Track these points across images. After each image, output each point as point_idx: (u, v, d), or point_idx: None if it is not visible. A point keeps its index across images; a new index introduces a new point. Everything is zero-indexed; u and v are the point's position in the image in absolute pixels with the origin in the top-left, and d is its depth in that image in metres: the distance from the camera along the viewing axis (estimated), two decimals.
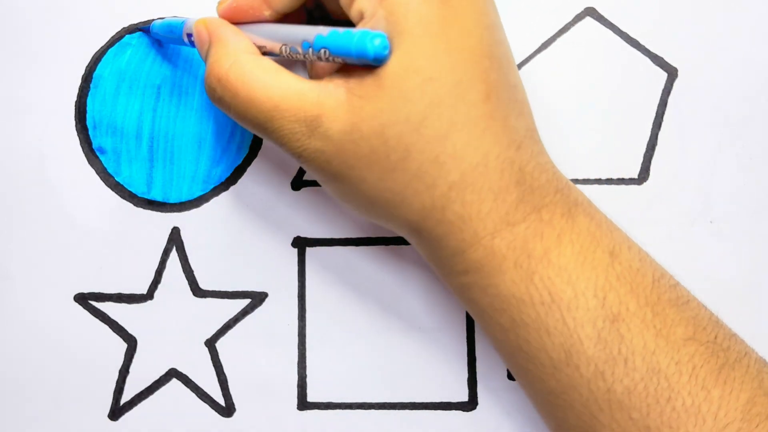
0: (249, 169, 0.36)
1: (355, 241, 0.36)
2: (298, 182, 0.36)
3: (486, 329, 0.29)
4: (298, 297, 0.36)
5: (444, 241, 0.27)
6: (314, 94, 0.27)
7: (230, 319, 0.36)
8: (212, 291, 0.36)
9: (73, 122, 0.36)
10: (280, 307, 0.36)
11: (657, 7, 0.36)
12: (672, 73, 0.36)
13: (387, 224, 0.29)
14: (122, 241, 0.36)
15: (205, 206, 0.36)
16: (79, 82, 0.36)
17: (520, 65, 0.36)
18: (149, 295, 0.36)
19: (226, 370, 0.35)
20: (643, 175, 0.35)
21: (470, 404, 0.35)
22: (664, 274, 0.29)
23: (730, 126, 0.35)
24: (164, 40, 0.35)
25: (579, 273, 0.27)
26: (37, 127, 0.36)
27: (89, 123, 0.36)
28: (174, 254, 0.36)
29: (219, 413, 0.35)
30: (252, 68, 0.28)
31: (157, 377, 0.35)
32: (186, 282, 0.36)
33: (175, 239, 0.36)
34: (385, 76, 0.25)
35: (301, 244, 0.36)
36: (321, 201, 0.36)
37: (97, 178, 0.36)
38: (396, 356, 0.35)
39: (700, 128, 0.35)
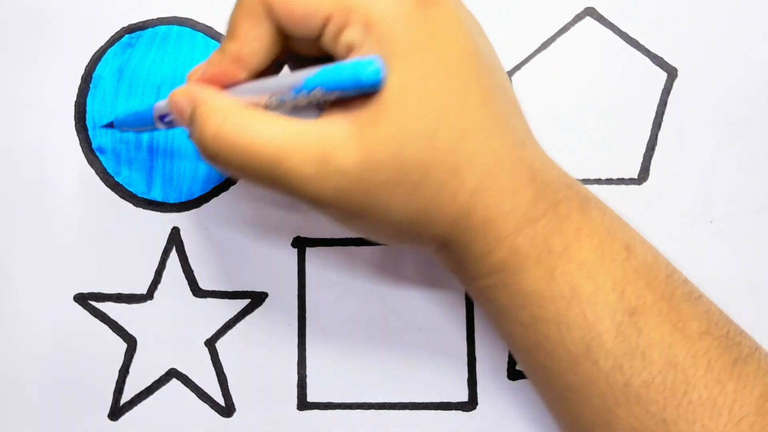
0: None
1: (355, 241, 0.36)
2: None
3: (504, 328, 0.29)
4: (298, 297, 0.36)
5: (470, 247, 0.28)
6: (317, 131, 0.26)
7: (230, 319, 0.36)
8: (212, 291, 0.36)
9: (72, 122, 0.36)
10: (280, 307, 0.36)
11: (657, 7, 0.36)
12: (672, 73, 0.36)
13: (415, 245, 0.29)
14: (122, 241, 0.36)
15: (205, 206, 0.36)
16: (78, 82, 0.36)
17: (520, 65, 0.36)
18: (149, 295, 0.36)
19: (226, 370, 0.35)
20: (643, 175, 0.35)
21: (470, 404, 0.35)
22: (675, 270, 0.29)
23: (730, 126, 0.35)
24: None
25: (598, 267, 0.27)
26: (37, 127, 0.36)
27: (89, 123, 0.36)
28: (174, 254, 0.36)
29: (219, 413, 0.35)
30: (246, 119, 0.26)
31: (157, 377, 0.35)
32: (186, 282, 0.36)
33: (175, 239, 0.36)
34: (387, 100, 0.25)
35: (301, 244, 0.36)
36: None
37: (97, 178, 0.36)
38: (396, 356, 0.35)
39: (700, 128, 0.35)
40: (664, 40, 0.36)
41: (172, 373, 0.35)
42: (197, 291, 0.36)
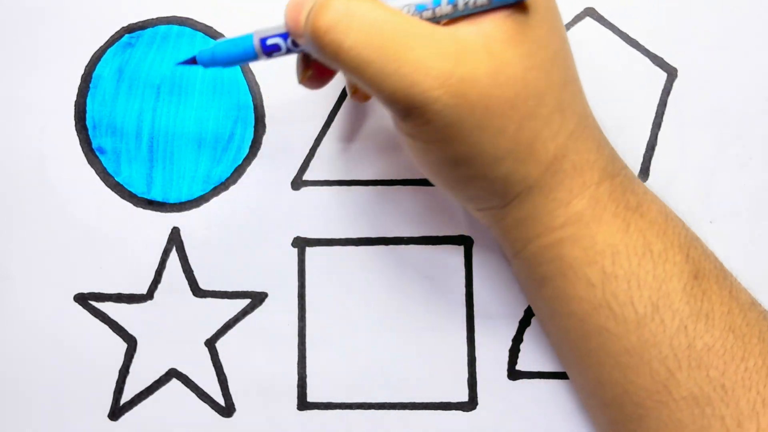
0: (249, 169, 0.36)
1: (355, 241, 0.36)
2: (298, 182, 0.36)
3: (565, 290, 0.29)
4: (298, 297, 0.36)
5: (553, 194, 0.28)
6: (450, 33, 0.25)
7: (230, 319, 0.36)
8: (212, 291, 0.36)
9: (72, 122, 0.36)
10: (280, 307, 0.36)
11: (657, 7, 0.36)
12: (672, 73, 0.36)
13: (503, 185, 0.28)
14: (122, 241, 0.36)
15: (205, 206, 0.36)
16: (78, 82, 0.36)
17: None
18: (149, 295, 0.36)
19: (226, 370, 0.35)
20: (643, 175, 0.35)
21: (470, 404, 0.35)
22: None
23: (730, 126, 0.35)
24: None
25: (665, 228, 0.29)
26: (37, 127, 0.36)
27: (89, 123, 0.36)
28: (174, 254, 0.36)
29: (219, 413, 0.35)
30: (373, 3, 0.25)
31: (157, 377, 0.35)
32: (186, 282, 0.36)
33: (175, 239, 0.36)
34: (523, 23, 0.26)
35: (301, 244, 0.36)
36: (321, 201, 0.36)
37: (97, 178, 0.36)
38: (396, 356, 0.35)
39: (700, 128, 0.35)
40: (664, 40, 0.36)
41: (172, 373, 0.35)
42: (197, 291, 0.36)
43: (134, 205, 0.36)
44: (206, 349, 0.35)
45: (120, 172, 0.36)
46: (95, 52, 0.36)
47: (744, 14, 0.36)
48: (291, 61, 0.36)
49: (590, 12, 0.36)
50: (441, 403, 0.35)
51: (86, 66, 0.36)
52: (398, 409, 0.35)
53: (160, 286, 0.36)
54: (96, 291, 0.36)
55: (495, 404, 0.35)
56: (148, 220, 0.36)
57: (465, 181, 0.28)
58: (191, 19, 0.37)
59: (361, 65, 0.24)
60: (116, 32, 0.37)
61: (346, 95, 0.36)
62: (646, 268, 0.28)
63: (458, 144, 0.26)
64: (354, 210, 0.36)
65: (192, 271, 0.36)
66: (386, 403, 0.35)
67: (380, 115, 0.36)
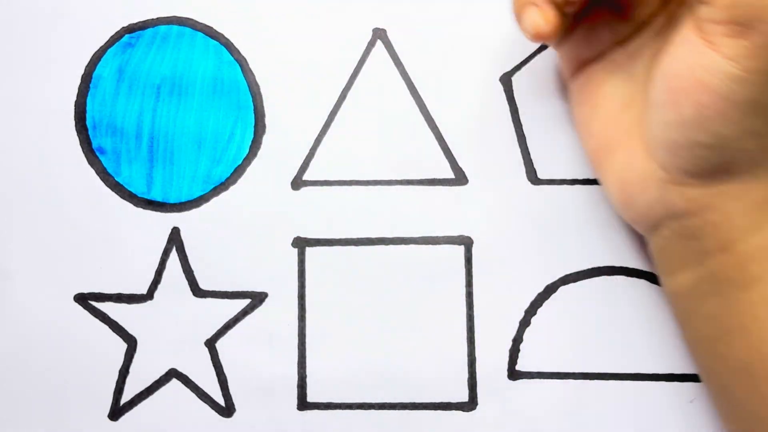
0: (249, 169, 0.36)
1: (355, 241, 0.36)
2: (298, 182, 0.36)
3: (743, 283, 0.27)
4: (298, 297, 0.36)
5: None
6: None
7: (230, 319, 0.36)
8: (212, 291, 0.36)
9: (72, 122, 0.36)
10: (280, 307, 0.36)
11: None
12: None
13: (722, 177, 0.27)
14: (122, 241, 0.36)
15: (205, 206, 0.36)
16: (78, 82, 0.36)
17: (520, 65, 0.36)
18: (149, 295, 0.36)
19: (226, 370, 0.35)
20: None
21: (470, 404, 0.35)
22: None
23: None
24: None
25: None
26: (37, 127, 0.36)
27: (89, 123, 0.36)
28: (174, 254, 0.36)
29: (219, 413, 0.35)
30: None
31: (157, 377, 0.35)
32: (186, 282, 0.36)
33: (175, 239, 0.36)
34: None
35: (301, 244, 0.36)
36: (321, 201, 0.36)
37: (97, 178, 0.36)
38: (396, 356, 0.35)
39: None
40: None
41: (172, 373, 0.35)
42: (197, 291, 0.36)
43: (134, 205, 0.36)
44: (206, 349, 0.36)
45: (120, 172, 0.36)
46: (95, 52, 0.36)
47: None
48: (291, 61, 0.36)
49: None
50: (441, 403, 0.35)
51: (86, 66, 0.36)
52: (398, 409, 0.35)
53: (160, 286, 0.36)
54: (96, 291, 0.36)
55: (495, 404, 0.35)
56: (148, 220, 0.36)
57: (756, 133, 0.26)
58: (191, 19, 0.37)
59: None
60: (116, 32, 0.37)
61: (346, 95, 0.36)
62: None
63: (756, 82, 0.24)
64: (354, 210, 0.36)
65: (192, 271, 0.36)
66: (386, 403, 0.35)
67: (381, 115, 0.36)
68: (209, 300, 0.36)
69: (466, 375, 0.35)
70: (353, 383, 0.35)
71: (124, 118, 0.36)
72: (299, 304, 0.36)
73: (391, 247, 0.36)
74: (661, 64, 0.28)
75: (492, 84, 0.36)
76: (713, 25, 0.25)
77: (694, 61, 0.26)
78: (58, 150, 0.36)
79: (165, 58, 0.36)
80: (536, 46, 0.36)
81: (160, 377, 0.35)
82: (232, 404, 0.35)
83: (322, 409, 0.35)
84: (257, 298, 0.36)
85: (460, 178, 0.36)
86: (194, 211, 0.36)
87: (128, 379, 0.35)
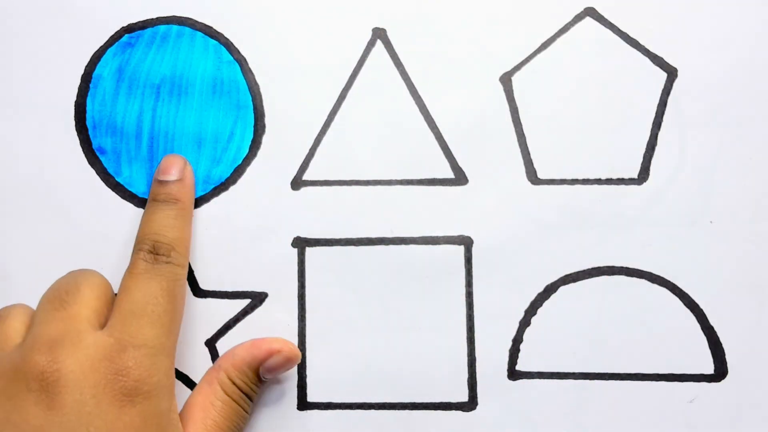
0: (249, 169, 0.36)
1: (355, 241, 0.36)
2: (298, 182, 0.36)
3: None
4: (298, 297, 0.36)
5: None
6: None
7: (230, 319, 0.36)
8: (212, 291, 0.36)
9: (72, 122, 0.36)
10: (280, 307, 0.36)
11: (657, 7, 0.36)
12: (672, 73, 0.36)
13: None
14: (122, 241, 0.36)
15: (205, 206, 0.36)
16: (78, 81, 0.36)
17: (520, 65, 0.36)
18: None
19: None
20: (643, 175, 0.35)
21: (470, 404, 0.35)
22: None
23: (730, 126, 0.35)
24: None
25: None
26: (37, 127, 0.36)
27: (89, 123, 0.36)
28: None
29: None
30: None
31: None
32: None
33: None
34: None
35: (301, 244, 0.36)
36: (321, 201, 0.36)
37: (97, 178, 0.36)
38: (396, 356, 0.35)
39: (700, 128, 0.35)
40: (664, 40, 0.36)
41: None
42: (197, 291, 0.36)
43: (134, 205, 0.36)
44: (206, 349, 0.35)
45: (120, 172, 0.36)
46: (95, 52, 0.36)
47: (744, 14, 0.36)
48: (291, 61, 0.36)
49: (590, 12, 0.36)
50: (441, 403, 0.35)
51: (86, 66, 0.36)
52: (398, 409, 0.35)
53: None
54: None
55: (495, 404, 0.35)
56: None
57: None
58: (191, 19, 0.37)
59: None
60: (116, 32, 0.37)
61: (345, 95, 0.36)
62: None
63: None
64: (354, 210, 0.36)
65: (192, 271, 0.36)
66: (386, 403, 0.35)
67: (381, 115, 0.36)
68: (209, 300, 0.36)
69: (466, 375, 0.35)
70: (353, 383, 0.35)
71: (124, 118, 0.36)
72: (299, 304, 0.36)
73: (391, 247, 0.36)
74: None
75: (492, 84, 0.36)
76: None
77: None
78: (58, 150, 0.36)
79: (165, 57, 0.36)
80: (536, 45, 0.36)
81: None
82: None
83: (322, 409, 0.35)
84: (257, 298, 0.36)
85: (460, 178, 0.36)
86: (194, 211, 0.36)
87: None
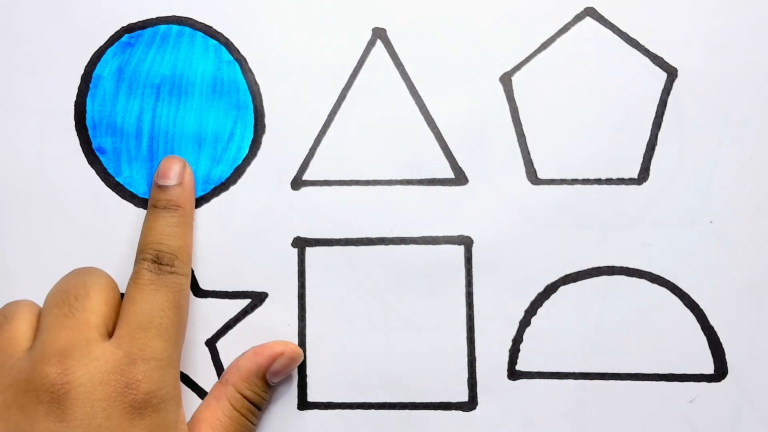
0: (249, 169, 0.36)
1: (355, 241, 0.36)
2: (298, 182, 0.36)
3: None
4: (298, 297, 0.36)
5: None
6: None
7: (230, 319, 0.36)
8: (212, 291, 0.36)
9: (72, 122, 0.36)
10: (280, 307, 0.36)
11: (657, 7, 0.36)
12: (672, 73, 0.36)
13: None
14: (122, 241, 0.36)
15: (205, 206, 0.36)
16: (78, 82, 0.36)
17: (520, 65, 0.36)
18: None
19: None
20: (643, 175, 0.35)
21: (470, 404, 0.35)
22: None
23: (730, 126, 0.35)
24: None
25: None
26: (37, 128, 0.36)
27: (89, 123, 0.36)
28: None
29: None
30: None
31: None
32: None
33: None
34: None
35: (301, 244, 0.36)
36: (321, 201, 0.36)
37: (97, 178, 0.36)
38: (396, 356, 0.35)
39: (700, 128, 0.35)
40: (664, 40, 0.36)
41: None
42: (197, 291, 0.36)
43: (135, 205, 0.36)
44: (206, 349, 0.36)
45: (120, 172, 0.36)
46: (95, 52, 0.36)
47: (744, 14, 0.36)
48: (290, 60, 0.36)
49: (590, 12, 0.36)
50: (441, 403, 0.35)
51: (86, 66, 0.36)
52: (398, 409, 0.35)
53: None
54: None
55: (495, 404, 0.35)
56: None
57: None
58: (191, 19, 0.37)
59: None
60: (116, 32, 0.37)
61: (345, 95, 0.36)
62: None
63: None
64: (354, 210, 0.36)
65: (192, 271, 0.36)
66: (386, 403, 0.35)
67: (381, 115, 0.36)
68: (209, 300, 0.36)
69: (466, 375, 0.35)
70: (353, 383, 0.35)
71: (124, 117, 0.36)
72: (299, 304, 0.36)
73: (391, 247, 0.36)
74: None
75: (492, 84, 0.36)
76: None
77: None
78: (58, 150, 0.36)
79: (164, 57, 0.36)
80: (536, 45, 0.36)
81: None
82: None
83: (322, 409, 0.35)
84: (257, 298, 0.36)
85: (460, 178, 0.36)
86: (194, 211, 0.36)
87: None
